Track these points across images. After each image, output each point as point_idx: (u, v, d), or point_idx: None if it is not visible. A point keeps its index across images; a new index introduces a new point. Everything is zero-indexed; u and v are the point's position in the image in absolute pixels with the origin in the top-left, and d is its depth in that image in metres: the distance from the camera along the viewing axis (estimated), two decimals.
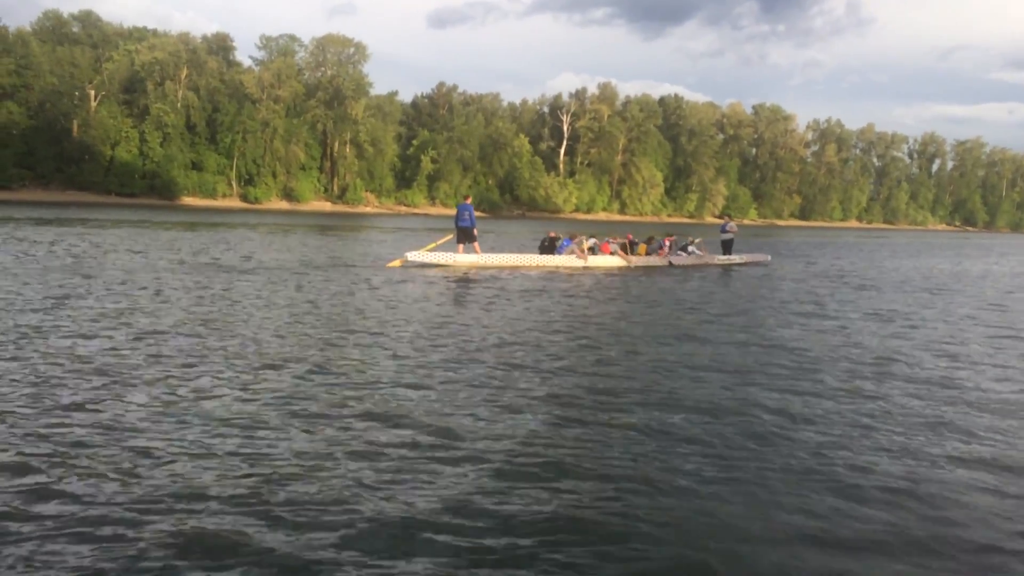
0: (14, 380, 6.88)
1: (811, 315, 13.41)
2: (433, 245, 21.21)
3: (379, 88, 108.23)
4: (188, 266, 17.54)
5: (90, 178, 73.89)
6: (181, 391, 6.76)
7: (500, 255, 21.76)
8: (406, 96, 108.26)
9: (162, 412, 6.13)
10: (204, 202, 78.39)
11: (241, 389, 6.90)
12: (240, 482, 4.80)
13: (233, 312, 11.19)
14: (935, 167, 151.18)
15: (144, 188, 76.43)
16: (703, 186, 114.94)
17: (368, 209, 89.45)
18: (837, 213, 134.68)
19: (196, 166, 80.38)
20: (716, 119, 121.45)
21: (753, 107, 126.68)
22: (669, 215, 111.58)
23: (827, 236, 72.48)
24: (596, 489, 4.86)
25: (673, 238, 25.27)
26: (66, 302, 11.33)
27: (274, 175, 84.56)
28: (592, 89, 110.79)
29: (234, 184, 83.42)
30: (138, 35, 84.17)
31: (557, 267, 20.96)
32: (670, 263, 23.46)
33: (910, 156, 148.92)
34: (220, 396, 6.65)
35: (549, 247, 21.86)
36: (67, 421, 5.83)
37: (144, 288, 13.30)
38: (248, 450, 5.37)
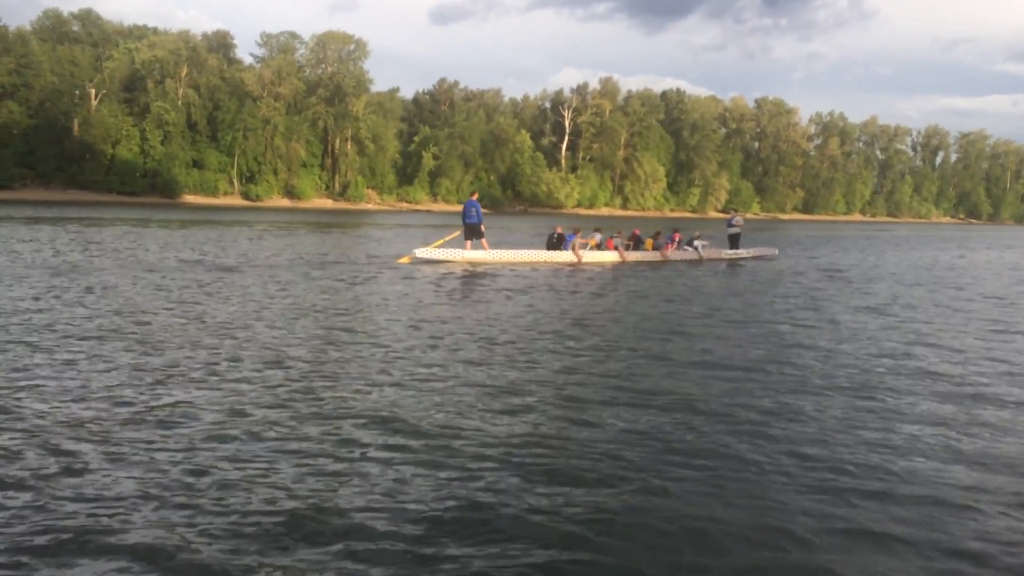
0: None
1: (810, 310, 13.24)
2: (441, 242, 21.13)
3: (381, 85, 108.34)
4: (194, 264, 17.33)
5: (91, 177, 73.70)
6: (166, 389, 6.60)
7: (507, 251, 21.62)
8: (408, 92, 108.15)
9: (171, 409, 5.96)
10: (205, 200, 78.21)
11: (262, 387, 6.75)
12: (235, 481, 4.61)
13: (265, 313, 10.98)
14: (939, 159, 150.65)
15: (145, 186, 76.25)
16: (705, 180, 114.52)
17: (370, 206, 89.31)
18: (840, 207, 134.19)
19: (197, 164, 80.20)
20: (718, 113, 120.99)
21: (756, 101, 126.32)
22: (672, 210, 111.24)
23: (830, 230, 72.16)
24: (598, 491, 4.77)
25: (679, 235, 24.99)
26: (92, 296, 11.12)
27: (275, 173, 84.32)
28: (594, 84, 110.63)
29: (235, 182, 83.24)
30: (138, 33, 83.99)
31: (564, 263, 20.76)
32: (665, 258, 23.16)
33: (913, 149, 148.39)
34: (222, 392, 6.49)
35: (556, 243, 21.68)
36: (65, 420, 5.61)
37: (148, 285, 13.08)
38: (254, 448, 5.22)
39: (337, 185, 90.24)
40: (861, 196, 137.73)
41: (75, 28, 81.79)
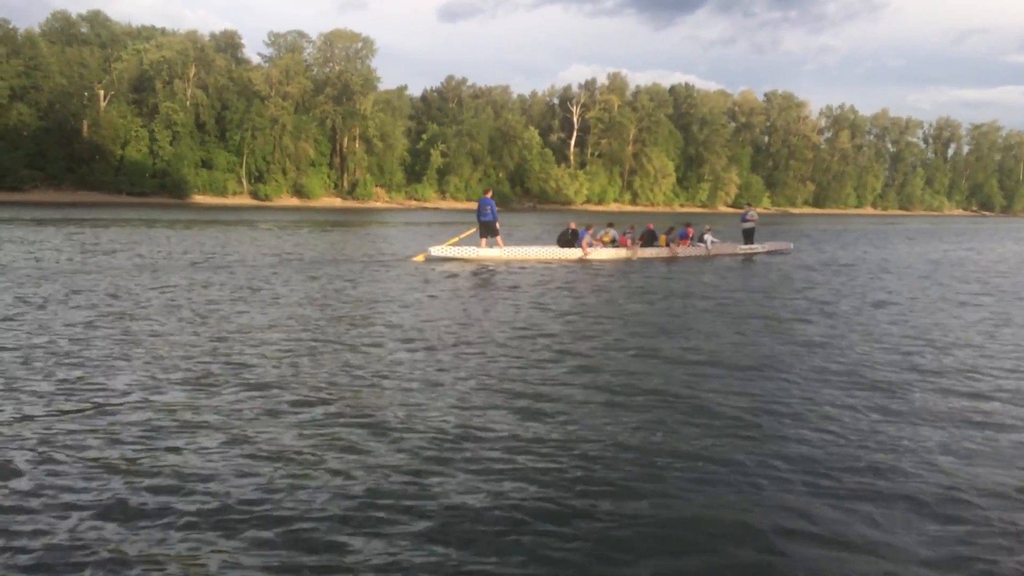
0: None
1: (822, 304, 13.02)
2: (455, 240, 20.98)
3: (390, 83, 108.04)
4: (206, 265, 17.20)
5: (101, 178, 73.91)
6: (190, 376, 6.42)
7: (522, 248, 21.42)
8: (416, 90, 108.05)
9: (194, 412, 5.80)
10: (214, 200, 78.31)
11: (278, 386, 6.59)
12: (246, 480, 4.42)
13: (282, 312, 10.81)
14: (951, 152, 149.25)
15: (155, 187, 76.39)
16: (715, 175, 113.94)
17: (378, 204, 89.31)
18: (852, 200, 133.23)
19: (206, 164, 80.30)
20: (728, 107, 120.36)
21: (765, 94, 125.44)
22: (681, 205, 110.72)
23: (842, 223, 71.59)
24: (599, 491, 4.67)
25: (692, 230, 24.70)
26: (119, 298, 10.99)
27: (284, 172, 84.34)
28: (602, 79, 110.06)
29: (244, 181, 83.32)
30: (146, 34, 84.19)
31: (579, 260, 20.54)
32: (675, 254, 22.84)
33: (925, 141, 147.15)
34: (236, 389, 6.33)
35: (570, 239, 21.44)
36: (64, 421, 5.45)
37: (169, 284, 12.95)
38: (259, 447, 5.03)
39: (346, 184, 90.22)
40: (872, 189, 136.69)
41: (83, 30, 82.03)
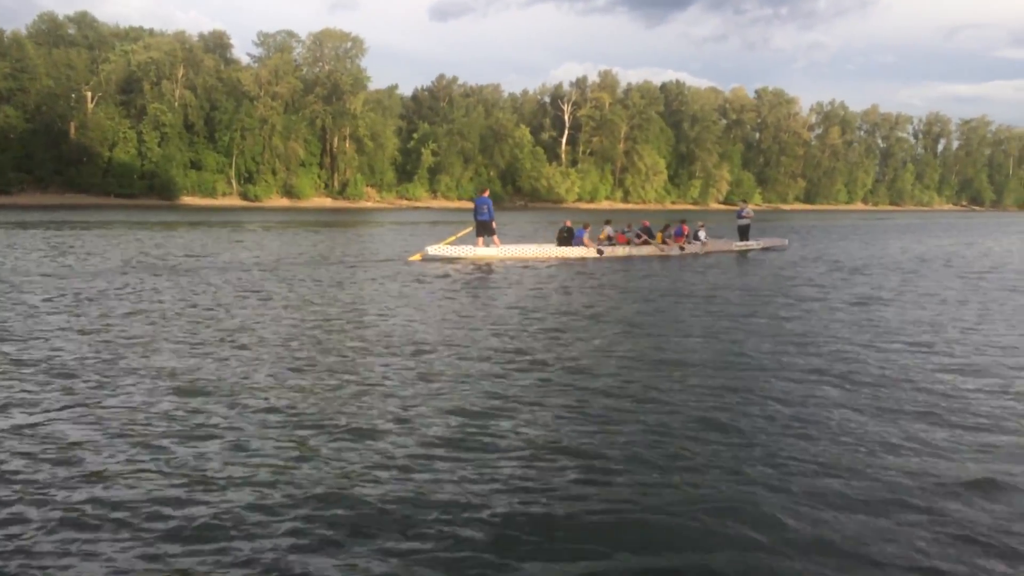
0: None
1: (815, 300, 12.91)
2: (452, 239, 20.81)
3: (381, 82, 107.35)
4: (204, 265, 16.97)
5: (89, 180, 73.34)
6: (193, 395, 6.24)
7: (519, 247, 21.25)
8: (408, 89, 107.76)
9: (196, 417, 5.61)
10: (204, 201, 77.84)
11: (284, 387, 6.38)
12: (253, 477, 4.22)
13: (280, 312, 10.59)
14: (940, 147, 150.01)
15: (143, 188, 75.88)
16: (707, 172, 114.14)
17: (369, 204, 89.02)
18: (842, 196, 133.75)
19: (195, 165, 79.83)
20: (719, 104, 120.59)
21: (756, 91, 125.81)
22: (673, 202, 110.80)
23: (832, 219, 71.74)
24: (600, 492, 4.57)
25: (687, 227, 24.58)
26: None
27: (274, 172, 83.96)
28: (593, 77, 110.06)
29: (234, 182, 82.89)
30: (134, 35, 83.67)
31: (576, 258, 20.40)
32: (681, 248, 22.90)
33: (915, 136, 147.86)
34: (238, 392, 6.13)
35: (567, 237, 21.30)
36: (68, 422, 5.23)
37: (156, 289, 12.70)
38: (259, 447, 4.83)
39: (336, 183, 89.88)
40: (863, 185, 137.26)
41: (71, 31, 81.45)
